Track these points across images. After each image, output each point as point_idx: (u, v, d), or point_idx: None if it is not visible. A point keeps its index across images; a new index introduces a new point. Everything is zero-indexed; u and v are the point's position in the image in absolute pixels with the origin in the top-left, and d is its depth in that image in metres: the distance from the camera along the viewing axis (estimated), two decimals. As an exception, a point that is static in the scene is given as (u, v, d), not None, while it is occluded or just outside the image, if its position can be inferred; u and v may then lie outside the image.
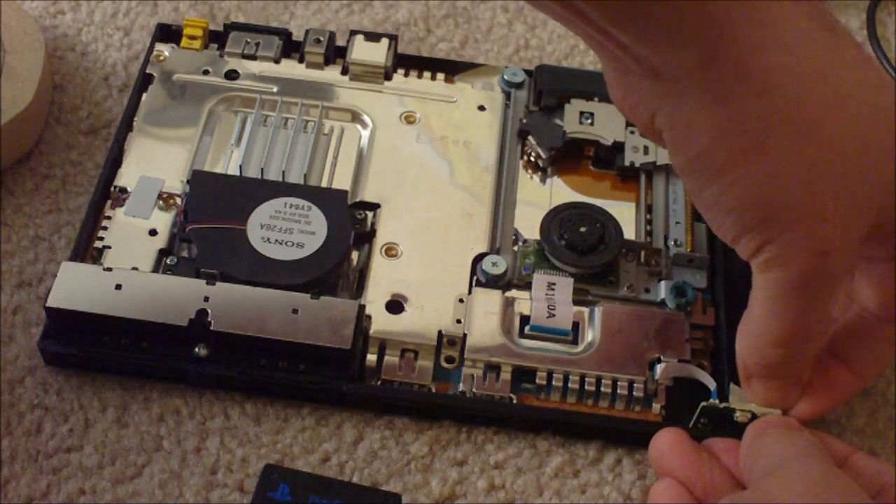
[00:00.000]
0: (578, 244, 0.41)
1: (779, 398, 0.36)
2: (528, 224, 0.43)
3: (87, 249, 0.41)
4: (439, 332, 0.39)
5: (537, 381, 0.38)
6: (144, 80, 0.46)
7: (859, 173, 0.31)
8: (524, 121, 0.46)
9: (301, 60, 0.47)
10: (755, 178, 0.31)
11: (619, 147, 0.45)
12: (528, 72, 0.48)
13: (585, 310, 0.40)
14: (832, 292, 0.33)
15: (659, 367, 0.38)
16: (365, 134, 0.45)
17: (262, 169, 0.43)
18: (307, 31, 0.47)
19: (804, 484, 0.31)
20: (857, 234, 0.32)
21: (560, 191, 0.44)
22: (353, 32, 0.47)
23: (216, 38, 0.48)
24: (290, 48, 0.48)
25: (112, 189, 0.42)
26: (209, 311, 0.37)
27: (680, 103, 0.31)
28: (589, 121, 0.45)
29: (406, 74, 0.47)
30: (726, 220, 0.33)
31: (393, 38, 0.47)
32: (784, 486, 0.31)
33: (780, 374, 0.35)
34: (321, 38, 0.47)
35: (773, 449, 0.33)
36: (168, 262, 0.40)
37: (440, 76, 0.48)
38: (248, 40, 0.47)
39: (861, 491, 0.31)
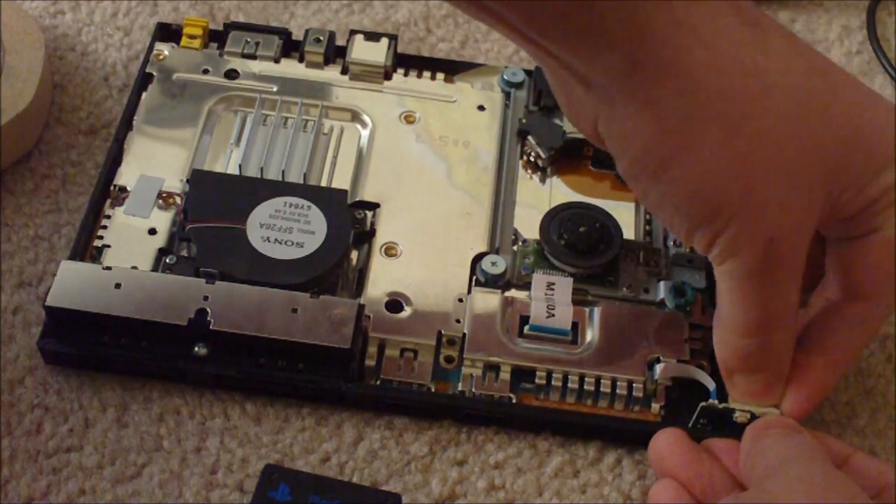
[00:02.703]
0: (578, 244, 0.41)
1: (761, 392, 0.36)
2: (528, 224, 0.43)
3: (86, 248, 0.41)
4: (439, 331, 0.39)
5: (537, 380, 0.38)
6: (144, 80, 0.46)
7: (797, 160, 0.32)
8: (524, 121, 0.46)
9: (301, 60, 0.47)
10: (690, 176, 0.32)
11: (618, 147, 0.45)
12: (527, 72, 0.48)
13: (585, 310, 0.40)
14: (788, 277, 0.33)
15: (658, 367, 0.38)
16: (364, 133, 0.45)
17: (261, 168, 0.43)
18: (307, 31, 0.47)
19: (805, 485, 0.31)
20: (806, 219, 0.33)
21: (559, 191, 0.44)
22: (353, 32, 0.47)
23: (216, 38, 0.48)
24: (290, 48, 0.48)
25: (112, 188, 0.42)
26: (208, 310, 0.37)
27: (612, 110, 0.32)
28: (589, 120, 0.45)
29: (406, 74, 0.47)
30: (674, 219, 0.33)
31: (393, 38, 0.47)
32: (785, 487, 0.31)
33: (755, 365, 0.35)
34: (321, 38, 0.47)
35: (773, 450, 0.33)
36: (167, 261, 0.40)
37: (440, 76, 0.48)
38: (248, 40, 0.47)
39: (861, 492, 0.31)
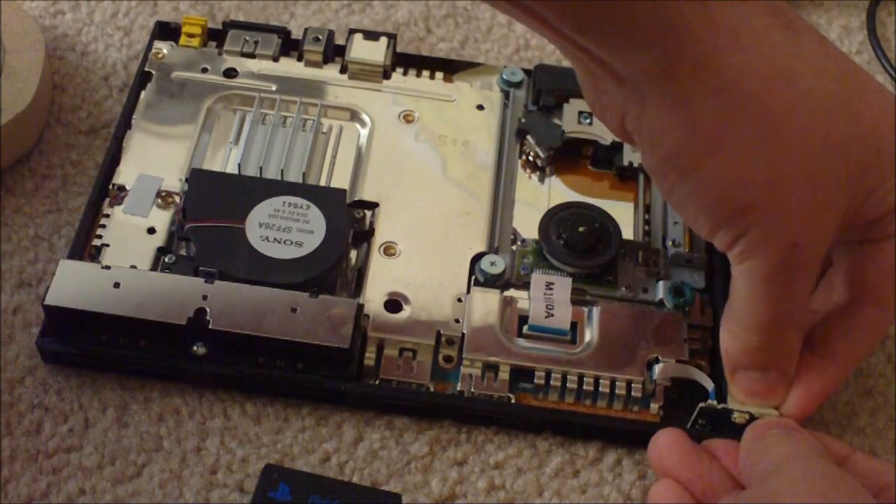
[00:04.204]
0: (577, 244, 0.41)
1: (764, 391, 0.36)
2: (527, 224, 0.43)
3: (85, 247, 0.41)
4: (438, 331, 0.39)
5: (535, 380, 0.38)
6: (143, 78, 0.46)
7: (825, 165, 0.32)
8: (523, 120, 0.46)
9: (300, 59, 0.47)
10: (720, 176, 0.32)
11: (617, 147, 0.45)
12: (526, 71, 0.48)
13: (584, 310, 0.40)
14: (806, 280, 0.34)
15: (657, 368, 0.38)
16: (363, 133, 0.45)
17: (260, 167, 0.43)
18: (306, 30, 0.47)
19: (807, 484, 0.31)
20: (829, 225, 0.33)
21: (558, 190, 0.44)
22: (352, 31, 0.47)
23: (215, 36, 0.48)
24: (289, 47, 0.48)
25: (111, 187, 0.42)
26: (207, 309, 0.37)
27: (644, 107, 0.32)
28: (588, 120, 0.45)
29: (405, 73, 0.47)
30: (699, 217, 0.33)
31: (392, 37, 0.47)
32: (787, 486, 0.31)
33: (762, 363, 0.35)
34: (320, 37, 0.47)
35: (774, 449, 0.33)
36: (166, 260, 0.40)
37: (439, 75, 0.48)
38: (247, 38, 0.47)
39: (864, 491, 0.31)
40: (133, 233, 0.41)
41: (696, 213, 0.34)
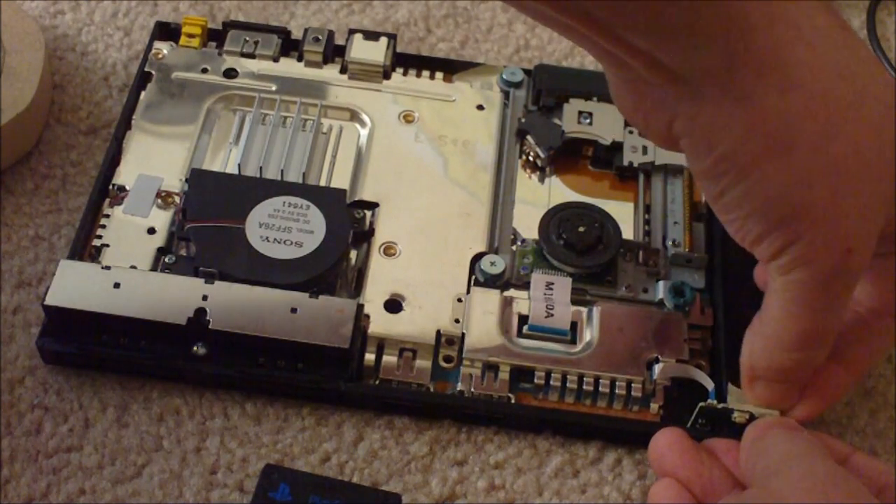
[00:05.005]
0: (577, 244, 0.41)
1: (780, 400, 0.36)
2: (527, 224, 0.43)
3: (85, 248, 0.41)
4: (437, 331, 0.39)
5: (535, 380, 0.38)
6: (143, 78, 0.46)
7: (879, 170, 0.31)
8: (523, 120, 0.46)
9: (300, 59, 0.47)
10: (779, 177, 0.31)
11: (617, 147, 0.45)
12: (526, 71, 0.48)
13: (584, 309, 0.40)
14: (852, 290, 0.33)
15: (657, 368, 0.38)
16: (363, 133, 0.45)
17: (260, 167, 0.43)
18: (306, 30, 0.47)
19: (809, 482, 0.31)
20: (876, 232, 0.32)
21: (558, 190, 0.44)
22: (352, 31, 0.47)
23: (215, 37, 0.48)
24: (289, 47, 0.48)
25: (111, 187, 0.42)
26: (208, 309, 0.37)
27: (699, 106, 0.31)
28: (588, 120, 0.45)
29: (405, 73, 0.47)
30: (748, 221, 0.32)
31: (392, 38, 0.47)
32: (789, 485, 0.31)
33: (788, 378, 0.35)
34: (320, 37, 0.47)
35: (775, 448, 0.33)
36: (167, 260, 0.40)
37: (439, 75, 0.48)
38: (247, 39, 0.47)
39: (865, 489, 0.31)
40: (133, 233, 0.41)
41: (745, 217, 0.32)
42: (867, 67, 0.31)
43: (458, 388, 0.38)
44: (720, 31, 0.29)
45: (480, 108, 0.46)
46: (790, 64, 0.30)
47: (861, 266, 0.32)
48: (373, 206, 0.43)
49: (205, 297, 0.38)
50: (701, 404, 0.37)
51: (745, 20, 0.29)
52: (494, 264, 0.41)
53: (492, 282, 0.41)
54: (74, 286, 0.38)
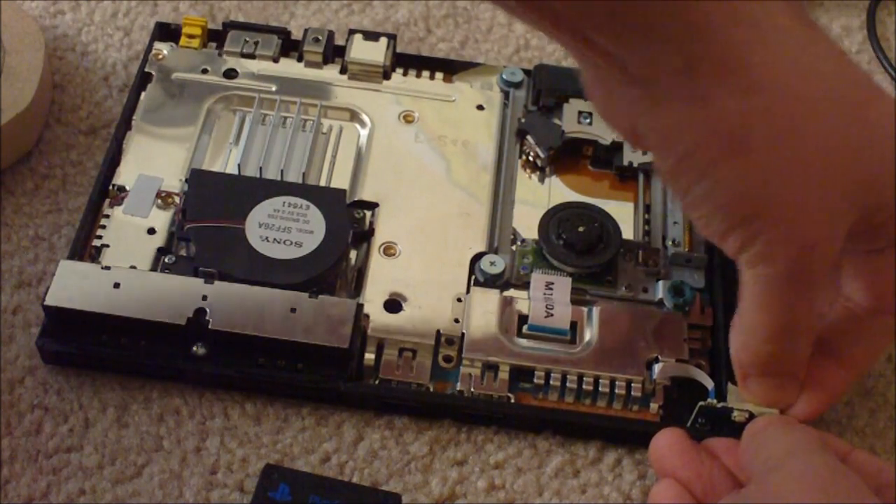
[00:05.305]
0: (576, 244, 0.41)
1: (776, 397, 0.36)
2: (527, 223, 0.43)
3: (85, 248, 0.41)
4: (437, 331, 0.39)
5: (535, 380, 0.38)
6: (143, 79, 0.46)
7: (840, 167, 0.32)
8: (523, 120, 0.46)
9: (300, 59, 0.47)
10: (739, 176, 0.31)
11: (617, 146, 0.45)
12: (526, 71, 0.48)
13: (583, 309, 0.40)
14: (818, 286, 0.33)
15: (657, 367, 0.38)
16: (363, 133, 0.45)
17: (260, 168, 0.43)
18: (306, 30, 0.47)
19: (807, 478, 0.31)
20: (842, 229, 0.32)
21: (558, 190, 0.44)
22: (352, 31, 0.47)
23: (215, 37, 0.48)
24: (289, 47, 0.48)
25: (111, 187, 0.42)
26: (207, 309, 0.37)
27: (662, 107, 0.31)
28: (587, 120, 0.45)
29: (405, 74, 0.47)
30: (712, 219, 0.33)
31: (392, 38, 0.47)
32: (788, 481, 0.31)
33: (774, 370, 0.35)
34: (320, 38, 0.47)
35: (774, 444, 0.33)
36: (166, 260, 0.40)
37: (439, 75, 0.48)
38: (247, 39, 0.47)
39: (864, 485, 0.31)
40: (133, 233, 0.41)
41: (710, 214, 0.33)
42: (833, 66, 0.31)
43: (458, 388, 0.38)
44: (680, 33, 0.29)
45: (480, 108, 0.46)
46: (749, 65, 0.30)
47: (824, 261, 0.33)
48: (373, 206, 0.43)
49: (204, 298, 0.38)
50: (701, 404, 0.37)
51: (704, 22, 0.29)
52: (494, 264, 0.41)
53: (491, 282, 0.41)
54: (74, 286, 0.38)
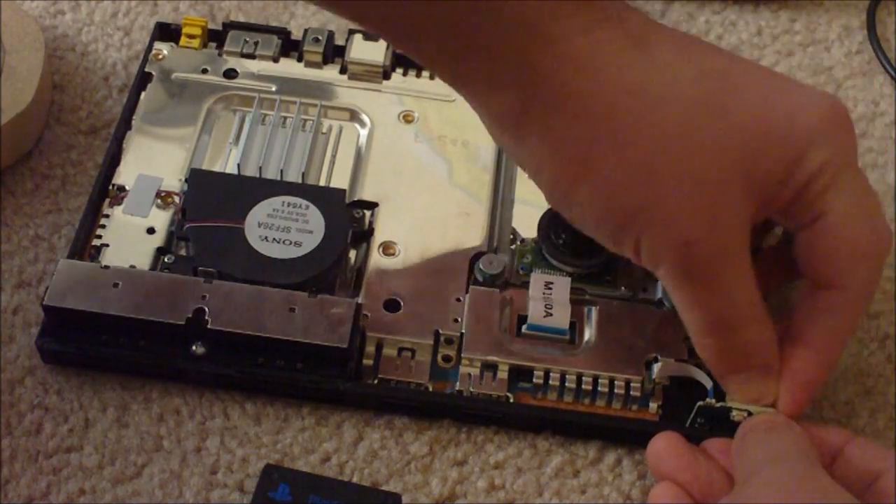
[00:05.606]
0: (576, 243, 0.41)
1: (755, 391, 0.36)
2: (526, 223, 0.43)
3: (85, 247, 0.41)
4: (436, 330, 0.39)
5: (534, 380, 0.38)
6: (143, 79, 0.46)
7: (699, 162, 0.33)
8: (523, 120, 0.46)
9: (300, 59, 0.47)
10: (595, 195, 0.33)
11: (617, 146, 0.45)
12: (526, 71, 0.47)
13: (583, 309, 0.40)
14: (724, 276, 0.34)
15: (656, 367, 0.38)
16: (363, 133, 0.45)
17: (260, 167, 0.43)
18: (306, 31, 0.47)
19: (778, 487, 0.31)
20: (724, 217, 0.33)
21: (558, 190, 0.44)
22: (352, 31, 0.47)
23: (215, 37, 0.48)
24: (289, 47, 0.48)
25: (111, 187, 0.42)
26: (206, 309, 0.37)
27: (516, 145, 0.34)
28: (587, 120, 0.45)
29: (405, 73, 0.47)
30: (600, 235, 0.35)
31: (392, 38, 0.47)
32: (761, 489, 0.31)
33: (735, 365, 0.35)
34: (320, 38, 0.47)
35: (752, 451, 0.34)
36: (166, 260, 0.40)
37: (439, 75, 0.48)
38: (247, 39, 0.47)
39: (841, 491, 0.31)
40: (133, 233, 0.41)
41: (596, 233, 0.35)
42: (666, 73, 0.33)
43: (457, 388, 0.38)
44: (511, 77, 0.32)
45: (480, 107, 0.46)
46: (576, 94, 0.32)
47: (714, 254, 0.33)
48: (372, 205, 0.43)
49: (204, 297, 0.38)
50: (699, 403, 0.37)
51: (532, 63, 0.32)
52: (493, 264, 0.41)
53: (491, 281, 0.41)
54: (73, 286, 0.38)
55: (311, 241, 0.40)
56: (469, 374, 0.39)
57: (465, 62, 0.32)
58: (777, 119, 0.33)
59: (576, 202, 0.34)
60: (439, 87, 0.47)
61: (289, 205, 0.41)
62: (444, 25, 0.32)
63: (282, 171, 0.43)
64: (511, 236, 0.42)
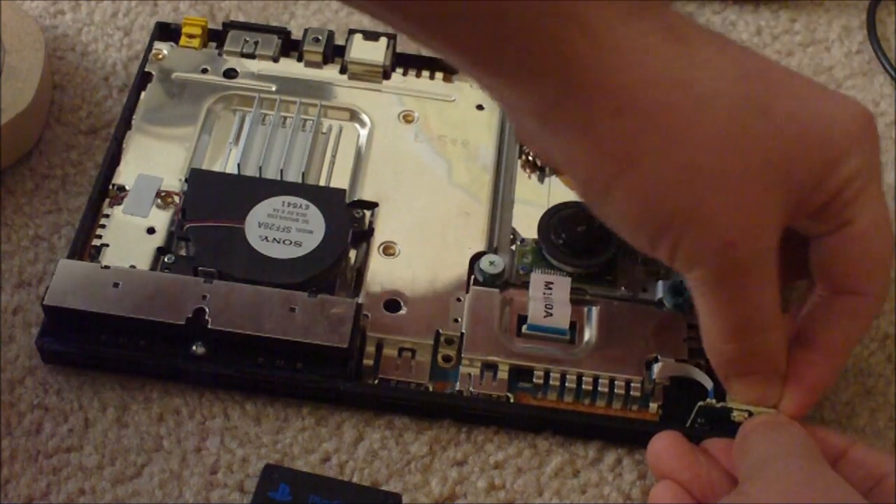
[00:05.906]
0: (576, 243, 0.41)
1: (760, 394, 0.36)
2: (526, 223, 0.43)
3: (85, 247, 0.41)
4: (437, 330, 0.39)
5: (534, 380, 0.38)
6: (143, 79, 0.46)
7: (742, 163, 0.32)
8: (523, 120, 0.46)
9: (300, 59, 0.47)
10: (636, 192, 0.32)
11: (617, 146, 0.45)
12: (527, 71, 0.47)
13: (583, 309, 0.40)
14: (758, 280, 0.33)
15: (656, 367, 0.38)
16: (363, 133, 0.45)
17: (260, 167, 0.43)
18: (306, 30, 0.47)
19: (783, 484, 0.31)
20: (764, 219, 0.33)
21: (558, 190, 0.44)
22: (352, 31, 0.47)
23: (215, 37, 0.48)
24: (289, 47, 0.48)
25: (111, 187, 0.42)
26: (207, 309, 0.37)
27: (555, 139, 0.32)
28: (588, 120, 0.45)
29: (405, 73, 0.47)
30: (635, 236, 0.34)
31: (392, 38, 0.47)
32: (764, 487, 0.31)
33: (747, 369, 0.35)
34: (320, 37, 0.47)
35: (758, 447, 0.33)
36: (166, 260, 0.40)
37: (439, 75, 0.48)
38: (247, 39, 0.47)
39: (847, 487, 0.31)
40: (133, 233, 0.41)
41: (630, 232, 0.34)
42: (709, 70, 0.32)
43: (458, 388, 0.38)
44: (549, 66, 0.31)
45: (480, 107, 0.46)
46: (618, 87, 0.31)
47: (753, 256, 0.33)
48: (372, 205, 0.43)
49: (204, 297, 0.38)
50: (700, 403, 0.37)
51: (570, 51, 0.30)
52: (494, 264, 0.41)
53: (491, 281, 0.41)
54: (73, 286, 0.38)
55: (311, 241, 0.40)
56: (469, 374, 0.39)
57: (497, 50, 0.31)
58: (816, 124, 0.33)
59: (614, 198, 0.33)
60: (439, 87, 0.47)
61: (289, 205, 0.41)
62: (476, 10, 0.30)
63: (282, 171, 0.43)
64: (511, 236, 0.42)
